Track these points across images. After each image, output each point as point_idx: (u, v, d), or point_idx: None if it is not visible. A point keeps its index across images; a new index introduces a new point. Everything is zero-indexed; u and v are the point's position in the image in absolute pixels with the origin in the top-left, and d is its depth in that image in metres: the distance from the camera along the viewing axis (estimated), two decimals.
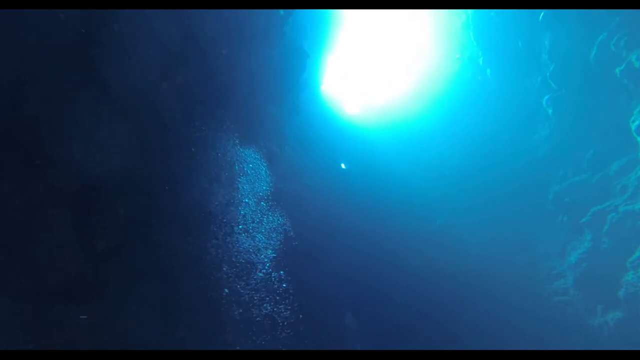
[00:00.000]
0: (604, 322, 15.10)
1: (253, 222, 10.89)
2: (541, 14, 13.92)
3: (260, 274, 10.64)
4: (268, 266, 10.84)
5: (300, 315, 10.67)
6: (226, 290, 9.72)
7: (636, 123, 13.08)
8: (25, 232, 7.24)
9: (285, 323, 10.60)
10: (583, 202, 15.08)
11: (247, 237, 10.66)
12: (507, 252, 16.36)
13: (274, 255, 11.05)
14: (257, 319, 10.31)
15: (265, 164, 11.86)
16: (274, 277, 10.85)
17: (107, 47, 7.52)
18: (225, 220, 10.17)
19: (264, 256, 10.89)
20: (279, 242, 11.22)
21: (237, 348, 9.71)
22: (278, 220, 11.51)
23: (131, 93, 8.23)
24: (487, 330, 14.38)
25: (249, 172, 11.26)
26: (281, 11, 13.18)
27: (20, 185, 7.07)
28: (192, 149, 9.60)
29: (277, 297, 10.72)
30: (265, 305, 10.48)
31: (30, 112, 6.88)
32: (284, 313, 10.65)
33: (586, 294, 15.43)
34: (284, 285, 10.87)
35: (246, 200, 10.92)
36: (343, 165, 20.40)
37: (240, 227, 10.51)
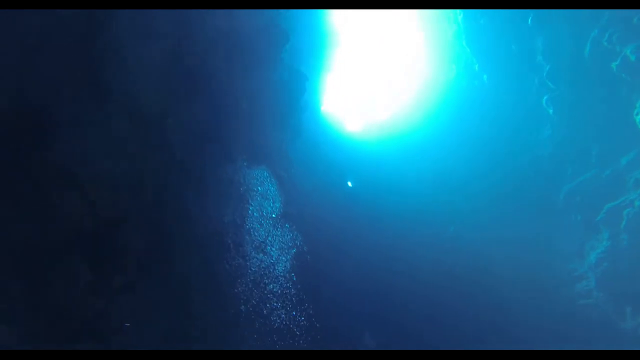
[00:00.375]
0: (636, 325, 14.47)
1: (263, 240, 10.98)
2: (530, 17, 14.19)
3: (275, 287, 10.65)
4: (283, 280, 10.89)
5: (317, 324, 10.61)
6: (242, 308, 9.68)
7: None
8: (42, 273, 7.31)
9: (303, 330, 10.67)
10: (596, 200, 14.81)
11: (262, 253, 10.76)
12: (524, 256, 15.99)
13: (289, 269, 11.12)
14: (275, 326, 10.28)
15: (274, 185, 12.04)
16: (288, 288, 10.88)
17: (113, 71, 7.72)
18: (239, 239, 10.26)
19: (278, 270, 10.96)
20: (290, 257, 11.28)
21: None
22: (289, 235, 11.61)
23: (138, 119, 8.47)
24: (514, 337, 13.91)
25: (259, 193, 11.43)
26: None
27: (37, 226, 7.20)
28: (203, 164, 9.76)
29: (291, 305, 10.76)
30: (281, 314, 10.51)
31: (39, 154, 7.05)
32: (301, 321, 10.72)
33: (612, 295, 14.88)
34: (294, 291, 10.92)
35: (258, 218, 11.06)
36: (350, 184, 20.43)
37: (253, 245, 10.61)
